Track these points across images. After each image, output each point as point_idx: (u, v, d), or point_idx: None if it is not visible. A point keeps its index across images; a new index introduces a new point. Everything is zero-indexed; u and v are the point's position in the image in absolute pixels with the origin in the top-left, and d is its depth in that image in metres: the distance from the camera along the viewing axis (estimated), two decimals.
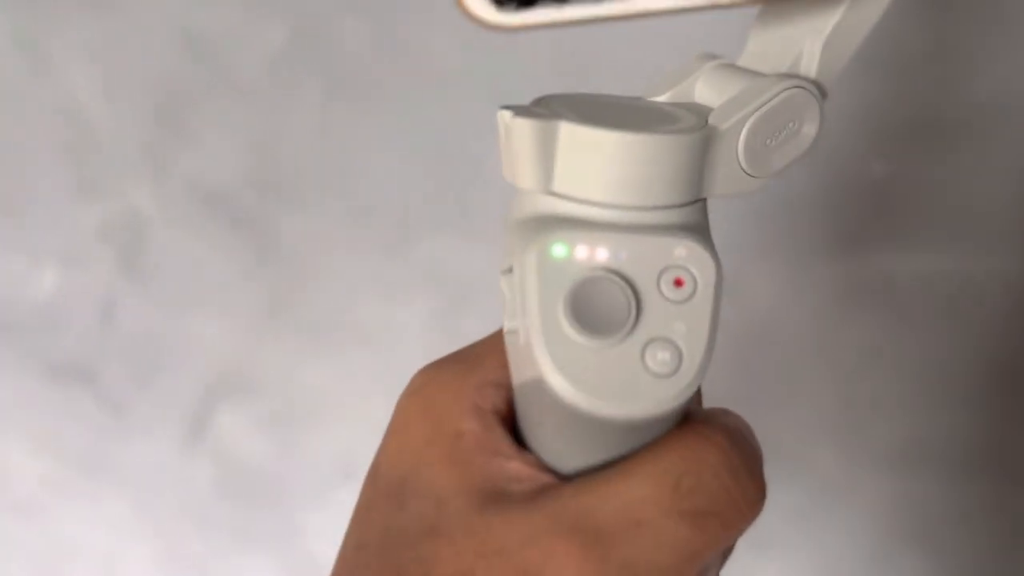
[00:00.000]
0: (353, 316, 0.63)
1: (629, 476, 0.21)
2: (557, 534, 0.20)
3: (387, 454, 0.23)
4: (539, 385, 0.21)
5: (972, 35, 0.54)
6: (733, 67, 0.24)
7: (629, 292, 0.20)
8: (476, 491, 0.21)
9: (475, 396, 0.23)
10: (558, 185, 0.21)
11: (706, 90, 0.23)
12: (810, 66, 0.22)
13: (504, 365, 0.24)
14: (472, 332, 0.63)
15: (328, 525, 0.55)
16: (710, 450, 0.21)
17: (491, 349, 0.24)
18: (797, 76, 0.22)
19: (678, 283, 0.21)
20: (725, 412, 0.23)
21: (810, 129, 0.22)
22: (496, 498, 0.21)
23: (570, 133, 0.20)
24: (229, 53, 0.58)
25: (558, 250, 0.21)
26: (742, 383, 0.59)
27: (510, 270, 0.22)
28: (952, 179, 0.56)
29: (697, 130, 0.21)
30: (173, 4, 0.58)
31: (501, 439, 0.23)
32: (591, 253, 0.21)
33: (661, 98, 0.24)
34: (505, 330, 0.23)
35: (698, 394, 0.24)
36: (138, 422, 0.62)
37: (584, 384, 0.20)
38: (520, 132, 0.21)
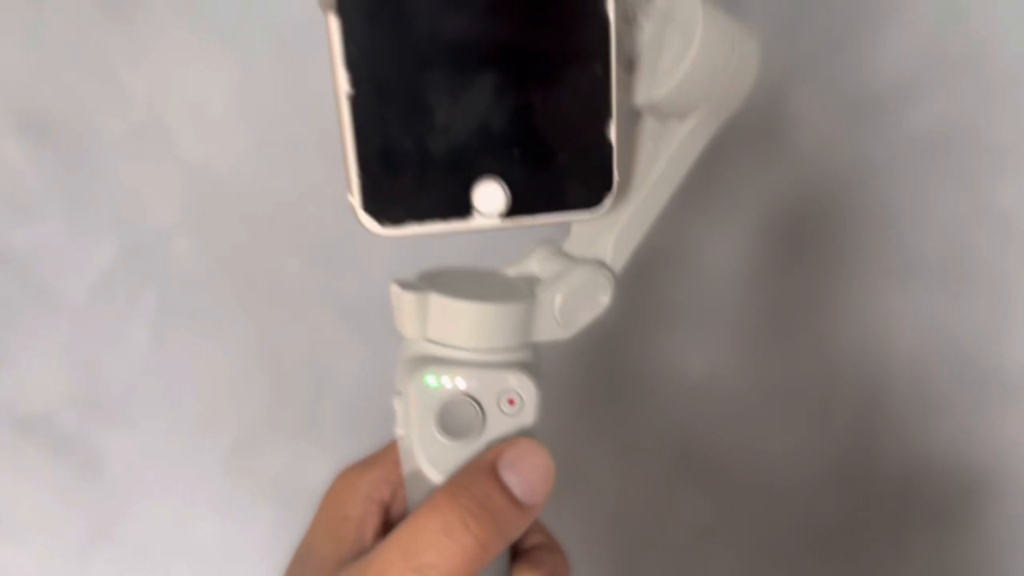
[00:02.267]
0: (187, 535, 0.60)
1: (380, 552, 0.26)
2: None
3: (307, 531, 0.31)
4: (418, 474, 0.28)
5: None
6: (558, 251, 0.31)
7: (478, 408, 0.28)
8: (340, 562, 0.28)
9: (369, 488, 0.31)
10: (430, 333, 0.28)
11: (538, 266, 0.32)
12: (606, 253, 0.30)
13: (396, 464, 0.31)
14: None
15: None
16: (431, 515, 0.26)
17: (388, 453, 0.32)
18: (596, 261, 0.30)
19: (511, 402, 0.29)
20: (467, 472, 0.27)
21: (604, 299, 0.30)
22: (346, 567, 0.28)
23: (437, 302, 0.28)
24: (52, 271, 0.56)
25: (431, 380, 0.28)
26: None
27: (399, 393, 0.29)
28: None
29: (526, 299, 0.29)
30: None
31: (372, 524, 0.30)
32: (452, 381, 0.28)
33: (512, 271, 0.32)
34: (397, 436, 0.30)
35: None
36: None
37: (448, 472, 0.28)
38: (403, 300, 0.28)
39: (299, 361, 0.59)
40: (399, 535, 0.26)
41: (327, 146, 0.54)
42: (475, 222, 0.25)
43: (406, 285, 0.28)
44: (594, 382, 0.61)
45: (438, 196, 0.25)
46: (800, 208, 0.61)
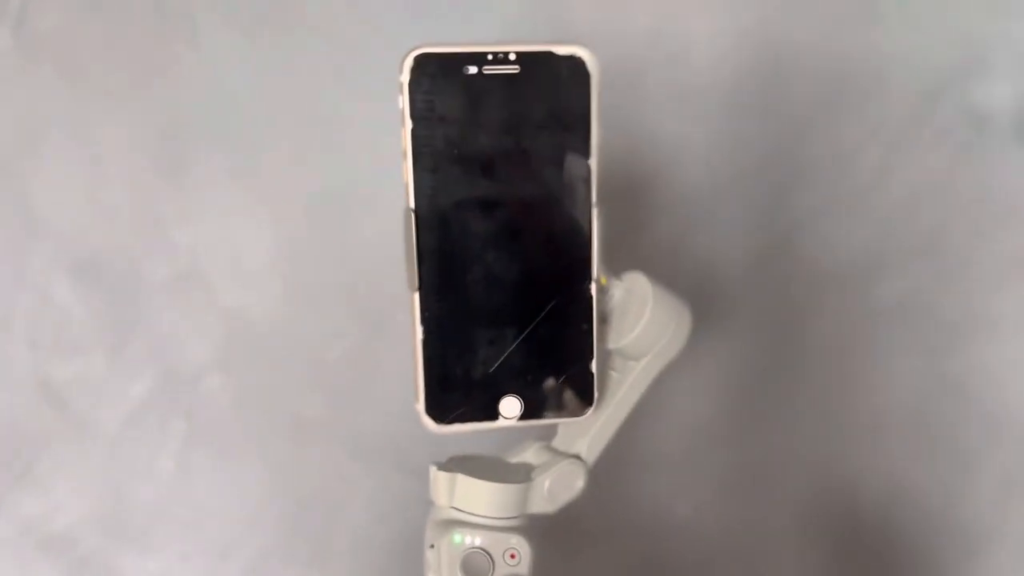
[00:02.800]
0: None
1: None
2: None
3: None
4: None
5: None
6: (548, 447, 0.43)
7: (488, 559, 0.39)
8: None
9: None
10: (456, 503, 0.40)
11: (532, 457, 0.43)
12: (582, 450, 0.42)
13: None
14: None
15: None
16: None
17: None
18: (575, 456, 0.42)
19: (512, 556, 0.40)
20: None
21: (579, 484, 0.42)
22: None
23: (462, 480, 0.39)
24: (89, 402, 0.61)
25: (457, 538, 0.39)
26: None
27: (432, 546, 0.40)
28: None
29: (524, 482, 0.40)
30: (32, 353, 0.61)
31: None
32: (472, 540, 0.39)
33: (515, 459, 0.43)
34: None
35: None
36: None
37: None
38: (438, 478, 0.40)
39: (312, 492, 0.65)
40: None
41: (349, 297, 0.63)
42: (499, 423, 0.37)
43: (441, 467, 0.40)
44: (585, 524, 0.67)
45: (477, 407, 0.37)
46: (773, 370, 0.69)
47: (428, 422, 0.37)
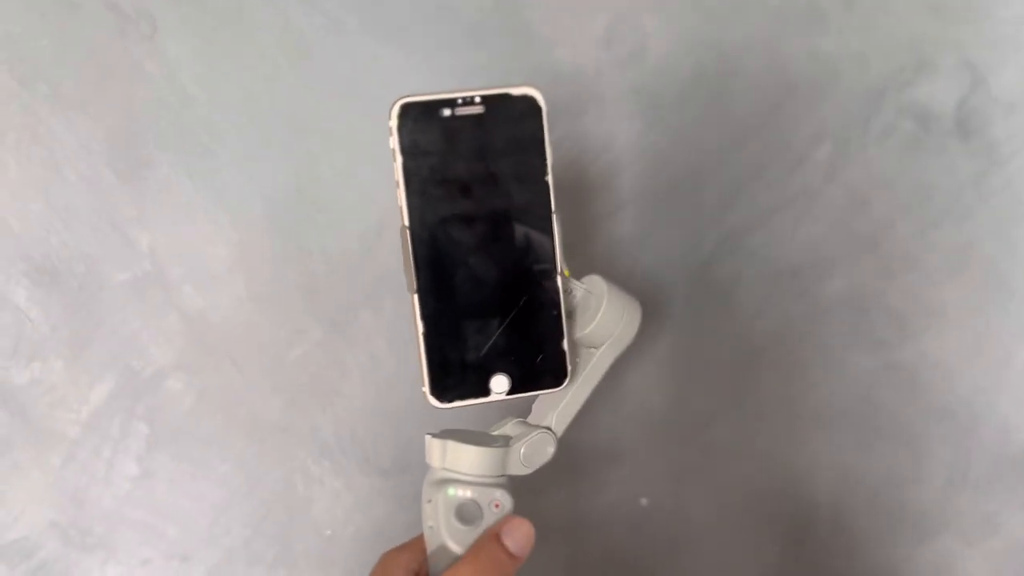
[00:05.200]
0: None
1: None
2: None
3: None
4: (443, 548, 0.46)
5: None
6: (523, 422, 0.51)
7: (478, 508, 0.46)
8: None
9: (406, 562, 0.48)
10: (447, 465, 0.47)
11: (510, 430, 0.50)
12: (551, 423, 0.49)
13: (423, 549, 0.48)
14: None
15: None
16: (465, 564, 0.44)
17: (418, 541, 0.49)
18: (546, 428, 0.49)
19: (496, 505, 0.47)
20: (484, 538, 0.46)
21: (550, 450, 0.49)
22: None
23: (452, 446, 0.47)
24: (48, 407, 0.62)
25: (451, 492, 0.46)
26: None
27: (429, 501, 0.47)
28: None
29: (503, 447, 0.48)
30: None
31: None
32: (464, 493, 0.46)
33: (495, 431, 0.50)
34: (426, 527, 0.48)
35: None
36: None
37: (461, 544, 0.46)
38: (433, 444, 0.47)
39: (276, 493, 0.66)
40: None
41: (309, 298, 0.65)
42: (491, 398, 0.45)
43: (434, 436, 0.48)
44: (549, 517, 0.71)
45: (472, 386, 0.45)
46: (727, 364, 0.72)
47: (433, 401, 0.44)
